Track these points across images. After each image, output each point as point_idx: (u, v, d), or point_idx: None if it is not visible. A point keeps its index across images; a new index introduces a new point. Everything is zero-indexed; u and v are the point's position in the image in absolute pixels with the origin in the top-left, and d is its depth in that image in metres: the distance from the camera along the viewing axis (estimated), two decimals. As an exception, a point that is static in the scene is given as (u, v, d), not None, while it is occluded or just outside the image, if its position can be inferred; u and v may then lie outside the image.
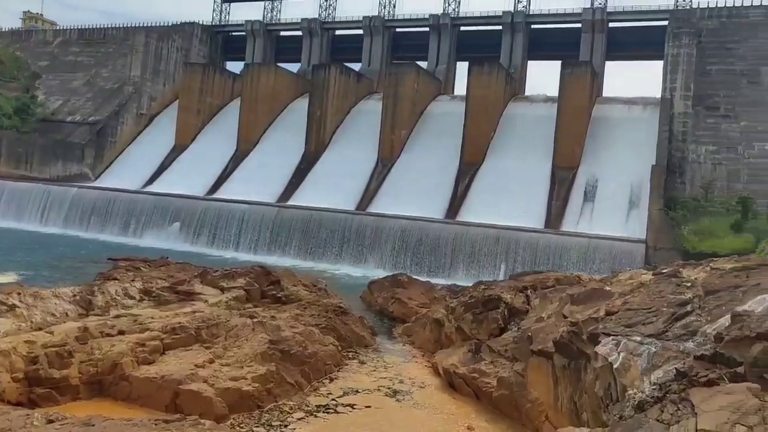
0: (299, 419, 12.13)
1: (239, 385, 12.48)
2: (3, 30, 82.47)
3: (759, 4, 48.02)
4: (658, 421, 5.07)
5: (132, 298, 16.41)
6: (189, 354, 13.49)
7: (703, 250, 32.86)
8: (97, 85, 68.47)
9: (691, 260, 18.50)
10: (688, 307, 9.60)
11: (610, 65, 57.47)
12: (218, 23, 73.87)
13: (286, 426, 11.71)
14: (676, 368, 7.74)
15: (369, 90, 61.01)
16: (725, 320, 8.62)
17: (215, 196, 50.49)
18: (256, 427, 11.62)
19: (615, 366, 9.14)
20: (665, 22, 50.80)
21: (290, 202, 47.72)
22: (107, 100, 65.40)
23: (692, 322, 9.17)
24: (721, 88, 46.24)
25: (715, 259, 12.25)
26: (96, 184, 55.78)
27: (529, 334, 13.44)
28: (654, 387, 8.21)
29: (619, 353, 9.40)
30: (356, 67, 63.01)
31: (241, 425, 11.64)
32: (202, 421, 8.97)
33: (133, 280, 17.39)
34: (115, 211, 47.56)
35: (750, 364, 6.43)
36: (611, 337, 9.88)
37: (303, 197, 48.23)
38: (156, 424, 8.32)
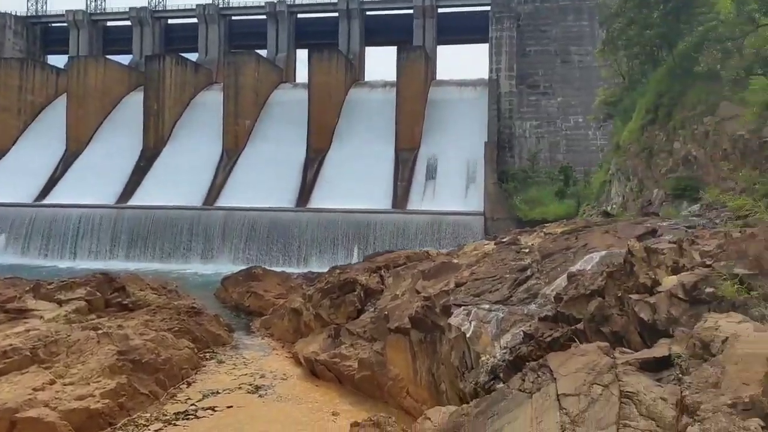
0: (156, 431, 11.52)
1: (86, 403, 11.57)
2: None
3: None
4: (520, 390, 5.30)
5: (-49, 322, 14.65)
6: (25, 378, 12.27)
7: (534, 217, 35.47)
8: None
9: (525, 227, 19.86)
10: (528, 272, 10.24)
11: (441, 49, 59.82)
12: (35, 14, 67.54)
13: (142, 440, 11.07)
14: (523, 331, 8.22)
15: (208, 80, 58.90)
16: (561, 281, 9.29)
17: (45, 201, 46.40)
18: (109, 445, 10.88)
19: (468, 335, 9.56)
20: (488, 7, 53.64)
21: (131, 202, 45.06)
22: None
23: (533, 285, 9.80)
24: (539, 68, 50.00)
25: (546, 224, 13.17)
26: None
27: (386, 312, 13.71)
28: (504, 351, 8.68)
29: (470, 322, 9.84)
30: (193, 57, 60.47)
31: (92, 446, 10.84)
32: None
33: (-49, 303, 15.54)
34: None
35: (587, 320, 6.97)
36: (462, 308, 10.32)
37: (145, 196, 45.68)
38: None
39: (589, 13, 49.46)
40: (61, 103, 56.46)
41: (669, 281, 6.69)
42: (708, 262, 6.78)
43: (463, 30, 58.32)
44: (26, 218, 41.12)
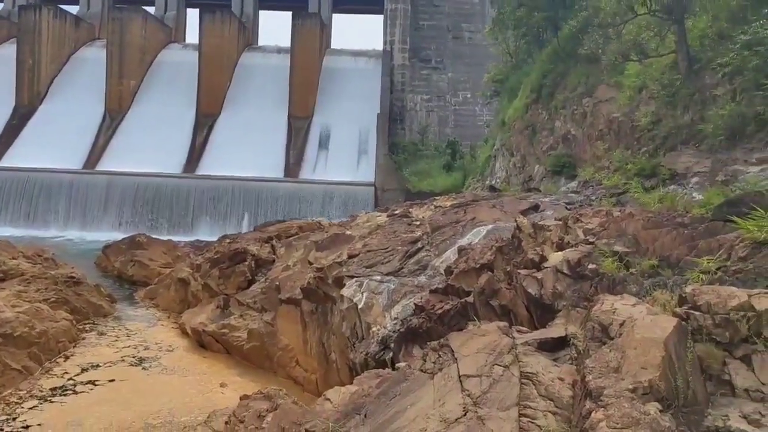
0: (31, 408, 10.92)
1: (-52, 381, 10.79)
2: None
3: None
4: (422, 371, 5.36)
5: None
6: None
7: (422, 188, 36.29)
8: None
9: (415, 199, 20.30)
10: (419, 244, 10.51)
11: (337, 18, 59.19)
12: None
13: (14, 419, 10.45)
14: (414, 303, 8.45)
15: (90, 36, 55.06)
16: (451, 253, 9.61)
17: None
18: (-23, 425, 10.21)
19: (360, 306, 9.72)
20: (385, -22, 53.54)
21: (2, 164, 41.70)
22: None
23: (423, 257, 10.07)
24: (432, 42, 50.70)
25: (437, 198, 13.51)
26: None
27: (277, 283, 13.66)
28: (395, 321, 8.91)
29: (362, 293, 10.01)
30: (73, 10, 56.24)
31: (-43, 428, 10.14)
32: None
33: None
34: None
35: (477, 294, 7.26)
36: (354, 279, 10.47)
37: (17, 157, 42.33)
38: None
39: (480, -8, 50.69)
40: None
41: (555, 257, 7.07)
42: (591, 240, 7.20)
43: (358, 0, 57.91)
44: None
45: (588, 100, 18.46)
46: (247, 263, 15.83)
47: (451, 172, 38.30)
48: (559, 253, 7.22)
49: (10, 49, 50.45)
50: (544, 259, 7.07)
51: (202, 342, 14.39)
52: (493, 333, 5.45)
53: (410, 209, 12.57)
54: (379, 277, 10.26)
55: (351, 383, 9.24)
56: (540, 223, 7.95)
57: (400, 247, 10.81)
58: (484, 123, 44.67)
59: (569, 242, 7.40)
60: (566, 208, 10.97)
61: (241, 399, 8.14)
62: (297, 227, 18.20)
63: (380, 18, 52.47)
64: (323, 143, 44.92)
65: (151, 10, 55.41)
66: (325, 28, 53.36)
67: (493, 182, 22.33)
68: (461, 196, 12.73)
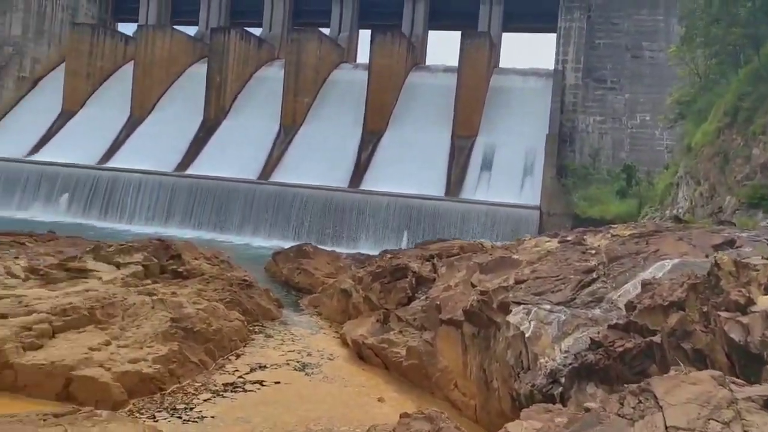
0: (205, 400, 11.62)
1: (139, 367, 11.76)
2: None
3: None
4: (619, 416, 4.89)
5: (16, 277, 15.10)
6: (82, 336, 12.56)
7: (592, 215, 34.65)
8: (-29, 45, 62.59)
9: (583, 225, 19.28)
10: (594, 274, 9.86)
11: (507, 36, 58.63)
12: (106, -20, 68.99)
13: (191, 409, 11.17)
14: (590, 338, 7.89)
15: (270, 56, 59.26)
16: (630, 287, 8.89)
17: (107, 165, 47.65)
18: (159, 411, 11.01)
19: (527, 335, 9.27)
20: (559, -4, 52.24)
21: (189, 171, 45.85)
22: (-18, 62, 59.96)
23: (598, 289, 9.42)
24: (608, 62, 48.43)
25: (613, 226, 12.68)
26: (-29, 152, 51.19)
27: (438, 302, 13.51)
28: (566, 355, 8.37)
29: (530, 322, 9.54)
30: (257, 32, 60.90)
31: (142, 411, 10.98)
32: (98, 412, 8.34)
33: (16, 258, 16.03)
34: (-5, 181, 44.04)
35: (667, 334, 6.60)
36: (522, 306, 10.02)
37: (202, 166, 46.43)
38: (45, 420, 7.62)
39: (665, 8, 47.61)
40: (128, 70, 57.68)
41: (765, 301, 6.23)
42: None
43: (530, 18, 56.92)
44: (89, 180, 42.34)
45: (793, 126, 16.55)
46: (408, 279, 15.87)
47: (625, 198, 36.27)
48: (770, 296, 6.35)
49: (202, 68, 55.54)
50: (750, 302, 6.25)
51: (361, 354, 14.58)
52: (707, 382, 4.83)
53: (584, 236, 11.89)
54: (548, 306, 9.74)
55: (513, 414, 8.81)
56: (743, 261, 7.08)
57: (572, 276, 10.21)
58: (665, 148, 41.86)
59: (780, 285, 6.48)
60: None
61: (401, 417, 8.03)
62: (459, 247, 18.01)
63: (552, 36, 51.27)
64: (486, 163, 44.53)
65: (326, 31, 58.43)
66: (494, 47, 53.11)
67: (675, 212, 20.68)
68: (641, 225, 11.83)
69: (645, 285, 8.08)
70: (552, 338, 9.13)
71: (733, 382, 4.97)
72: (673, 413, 4.60)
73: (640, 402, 4.85)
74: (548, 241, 12.87)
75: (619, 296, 9.06)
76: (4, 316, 12.59)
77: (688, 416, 4.50)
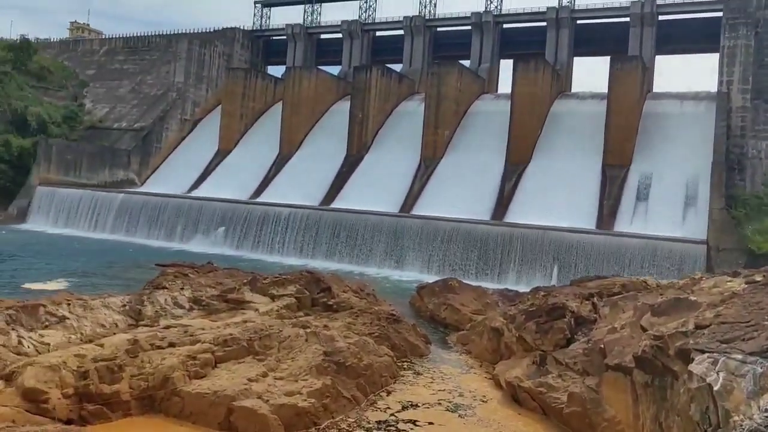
0: (359, 438, 11.45)
1: (295, 401, 11.84)
2: (52, 41, 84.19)
3: (819, -8, 45.58)
4: None
5: (182, 307, 15.99)
6: (241, 367, 12.93)
7: (770, 250, 31.27)
8: (142, 92, 69.36)
9: (761, 262, 17.23)
10: (796, 322, 8.59)
11: (660, 59, 55.53)
12: (259, 27, 73.99)
13: (345, 447, 11.02)
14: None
15: (410, 90, 60.26)
16: None
17: (259, 199, 50.35)
18: (315, 446, 10.97)
19: (715, 388, 8.20)
20: (719, 14, 48.73)
21: (333, 205, 47.29)
22: (152, 107, 66.16)
23: (804, 339, 8.17)
24: (780, 81, 44.01)
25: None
26: (142, 189, 56.29)
27: (602, 346, 12.53)
28: (766, 414, 7.26)
29: (717, 373, 8.45)
30: (397, 67, 62.31)
31: (299, 445, 11.01)
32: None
33: (182, 289, 16.98)
34: (161, 216, 47.87)
35: None
36: (706, 354, 8.93)
37: (346, 200, 47.75)
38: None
39: None
40: (276, 109, 61.12)
41: None
42: None
43: (686, 39, 53.59)
44: (242, 214, 44.80)
45: None
46: (566, 319, 14.93)
47: (809, 231, 32.46)
48: None
49: (345, 105, 57.58)
50: None
51: (516, 397, 13.83)
52: None
53: (777, 276, 10.52)
54: (740, 356, 8.58)
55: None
56: None
57: (767, 323, 8.97)
58: None
59: None
60: None
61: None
62: (620, 285, 16.74)
63: (713, 57, 47.82)
64: (642, 194, 41.94)
65: (466, 63, 58.53)
66: (647, 71, 50.47)
67: None
68: None
69: None
70: (747, 393, 8.00)
71: None
72: None
73: None
74: (730, 281, 11.54)
75: (834, 349, 7.78)
76: (172, 345, 13.26)
77: None
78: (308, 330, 14.77)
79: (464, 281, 27.07)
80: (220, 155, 60.29)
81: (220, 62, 68.54)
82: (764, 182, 39.70)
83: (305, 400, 12.03)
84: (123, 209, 49.43)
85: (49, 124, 62.16)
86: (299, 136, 58.23)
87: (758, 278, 10.72)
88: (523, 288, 26.58)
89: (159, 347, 13.03)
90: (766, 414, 7.54)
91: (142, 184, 59.67)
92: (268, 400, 11.70)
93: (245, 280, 18.65)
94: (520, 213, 41.72)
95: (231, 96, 62.53)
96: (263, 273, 21.14)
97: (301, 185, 50.85)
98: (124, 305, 15.10)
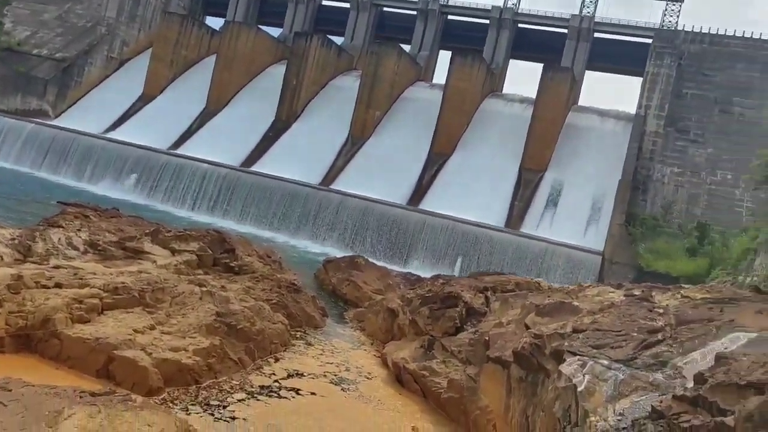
0: (239, 400, 11.48)
1: (179, 357, 11.73)
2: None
3: (741, 35, 48.43)
4: None
5: (76, 249, 15.40)
6: (129, 317, 12.65)
7: (657, 269, 33.30)
8: (69, 21, 65.41)
9: (652, 280, 18.40)
10: (659, 335, 9.26)
11: (589, 74, 57.61)
12: (201, -26, 71.24)
13: (224, 407, 11.04)
14: (652, 405, 7.33)
15: (348, 66, 59.88)
16: (699, 355, 8.29)
17: (178, 151, 48.84)
18: (192, 404, 10.92)
19: (579, 389, 8.75)
20: (649, 40, 51.00)
21: (254, 168, 46.53)
22: (78, 38, 62.56)
23: (663, 352, 8.82)
24: (693, 113, 46.66)
25: (684, 286, 11.98)
26: (55, 122, 53.37)
27: (487, 338, 13.03)
28: (620, 418, 7.83)
29: (584, 375, 9.01)
30: (339, 40, 61.65)
31: (176, 401, 10.92)
32: (133, 397, 8.25)
33: (79, 230, 16.36)
34: (71, 153, 45.75)
35: (744, 418, 6.01)
36: (577, 357, 9.50)
37: (268, 165, 47.07)
38: (81, 397, 7.57)
39: (764, 64, 45.79)
40: (209, 62, 59.22)
41: None
42: None
43: (617, 59, 55.78)
44: (158, 164, 43.41)
45: None
46: (458, 309, 15.44)
47: (694, 257, 34.77)
48: None
49: (280, 70, 56.53)
50: None
51: (400, 377, 14.22)
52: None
53: (651, 293, 11.26)
54: (606, 362, 9.18)
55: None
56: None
57: (635, 334, 9.62)
58: (745, 210, 39.93)
59: None
60: None
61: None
62: (515, 283, 17.46)
63: (637, 80, 50.00)
64: (552, 201, 43.61)
65: (406, 48, 58.64)
66: (575, 84, 52.25)
67: (751, 279, 19.60)
68: (716, 290, 11.11)
69: (720, 358, 7.47)
70: (606, 397, 8.59)
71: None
72: None
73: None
74: (612, 292, 12.26)
75: (685, 363, 8.46)
76: (59, 285, 12.80)
77: None
78: (204, 289, 14.61)
79: (372, 261, 27.42)
80: (144, 100, 57.94)
81: (156, 4, 65.62)
82: (663, 205, 42.26)
83: (190, 357, 11.94)
84: (31, 140, 46.83)
85: (-40, 38, 57.88)
86: (229, 93, 56.76)
87: (636, 292, 11.45)
88: (426, 274, 27.18)
89: (44, 286, 12.55)
90: (618, 418, 8.12)
91: (56, 117, 56.52)
92: (151, 353, 11.52)
93: (148, 231, 18.16)
94: (435, 202, 42.49)
95: (163, 41, 60.09)
96: (167, 226, 20.63)
97: (223, 143, 49.65)
98: (14, 239, 14.39)
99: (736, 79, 46.79)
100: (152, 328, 12.51)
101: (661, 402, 7.26)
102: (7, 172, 42.25)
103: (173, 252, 17.24)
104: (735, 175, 41.50)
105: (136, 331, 12.13)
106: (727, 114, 45.86)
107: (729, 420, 6.16)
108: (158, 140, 49.78)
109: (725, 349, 8.02)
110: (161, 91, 58.71)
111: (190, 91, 57.41)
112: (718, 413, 6.39)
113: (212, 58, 58.93)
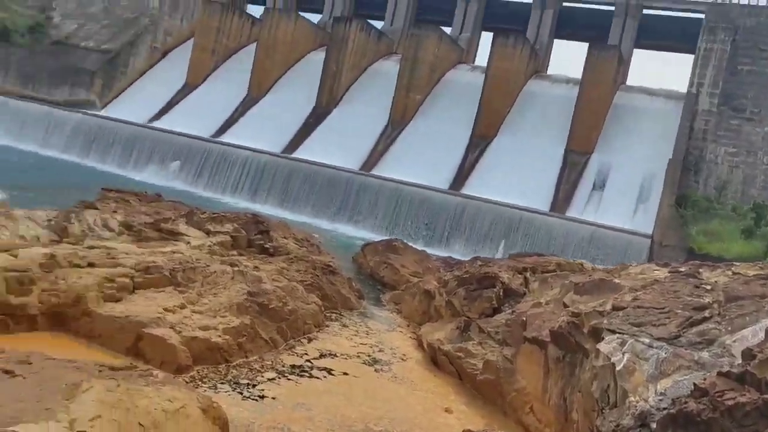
0: (270, 380, 11.32)
1: (208, 335, 11.63)
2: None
3: (801, 6, 45.95)
4: None
5: (111, 230, 15.48)
6: (160, 296, 12.63)
7: (710, 251, 31.98)
8: (114, 13, 66.55)
9: (704, 261, 17.50)
10: (706, 313, 8.65)
11: (638, 53, 55.62)
12: (243, -37, 71.49)
13: (254, 386, 10.88)
14: (694, 383, 6.81)
15: (388, 50, 59.24)
16: (750, 333, 7.69)
17: (220, 139, 49.28)
18: (221, 383, 10.80)
19: (618, 368, 8.25)
20: (701, 15, 48.86)
21: (295, 155, 46.58)
22: (123, 30, 63.65)
23: (710, 329, 8.23)
24: (749, 90, 44.42)
25: (736, 263, 11.27)
26: (102, 113, 54.49)
27: (524, 318, 12.58)
28: (661, 398, 7.32)
29: (623, 354, 8.51)
30: (378, 24, 61.07)
31: (204, 379, 10.82)
32: (155, 372, 8.12)
33: (114, 212, 16.46)
34: (117, 142, 46.56)
35: (795, 394, 5.49)
36: (616, 335, 8.99)
37: (308, 151, 47.07)
38: (100, 371, 7.45)
39: (823, 36, 43.49)
40: (250, 50, 59.41)
41: None
42: None
43: (666, 35, 53.51)
44: (201, 151, 43.84)
45: None
46: (495, 290, 14.96)
47: (750, 239, 33.27)
48: None
49: (320, 55, 56.37)
50: None
51: (435, 359, 13.88)
52: None
53: (699, 269, 10.60)
54: (647, 340, 8.64)
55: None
56: None
57: (680, 311, 9.02)
58: (804, 190, 38.08)
59: None
60: None
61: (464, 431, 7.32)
62: (556, 264, 16.85)
63: (689, 57, 48.01)
64: (599, 183, 42.37)
65: (447, 30, 57.72)
66: (623, 63, 50.50)
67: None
68: (770, 266, 10.41)
69: (771, 332, 6.88)
70: (647, 376, 8.07)
71: None
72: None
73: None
74: (657, 270, 11.63)
75: (734, 341, 7.86)
76: (92, 265, 12.85)
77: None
78: (236, 268, 14.51)
79: (411, 245, 27.03)
80: (187, 89, 58.59)
81: (199, -7, 66.21)
82: (716, 186, 40.49)
83: (220, 336, 11.83)
84: (78, 130, 47.86)
85: (13, 32, 59.42)
86: (270, 80, 56.92)
87: (682, 269, 10.81)
88: (468, 259, 26.65)
89: (77, 266, 12.60)
90: (659, 397, 7.61)
91: (103, 107, 57.67)
92: (180, 332, 11.45)
93: (183, 213, 18.20)
94: (478, 186, 41.75)
95: (205, 30, 60.56)
96: (204, 209, 20.67)
97: (265, 130, 49.85)
98: (50, 220, 14.55)
99: (796, 53, 44.41)
100: (183, 307, 12.44)
101: (704, 379, 6.73)
102: (56, 162, 43.31)
103: (207, 233, 17.23)
104: (796, 154, 39.54)
105: (166, 309, 12.08)
106: (786, 90, 43.57)
107: (780, 398, 5.63)
108: (202, 128, 50.27)
109: (778, 324, 7.41)
110: (203, 80, 59.26)
111: (232, 79, 57.81)
112: (767, 390, 5.85)
113: (253, 46, 59.14)
